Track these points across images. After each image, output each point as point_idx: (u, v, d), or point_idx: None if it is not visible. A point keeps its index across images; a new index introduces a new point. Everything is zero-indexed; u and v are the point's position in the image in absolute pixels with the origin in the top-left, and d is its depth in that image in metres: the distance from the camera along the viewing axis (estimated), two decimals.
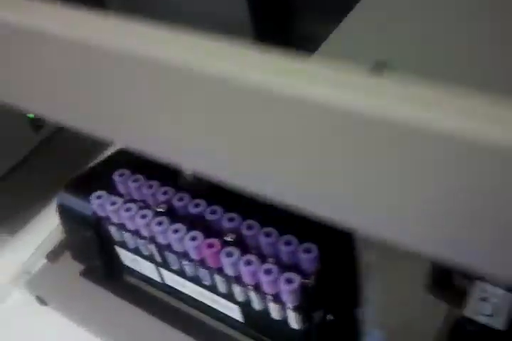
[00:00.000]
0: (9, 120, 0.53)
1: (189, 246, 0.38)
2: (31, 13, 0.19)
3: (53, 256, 0.51)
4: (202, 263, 0.38)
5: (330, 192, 0.17)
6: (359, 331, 0.36)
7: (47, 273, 0.50)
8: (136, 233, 0.41)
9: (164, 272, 0.43)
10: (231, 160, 0.19)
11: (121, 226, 0.42)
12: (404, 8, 0.25)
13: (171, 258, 0.41)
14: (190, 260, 0.39)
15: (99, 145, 0.57)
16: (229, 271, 0.37)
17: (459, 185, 0.14)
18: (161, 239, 0.39)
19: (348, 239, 0.39)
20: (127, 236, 0.43)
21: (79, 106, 0.22)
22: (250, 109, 0.16)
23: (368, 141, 0.15)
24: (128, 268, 0.46)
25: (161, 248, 0.40)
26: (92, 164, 0.49)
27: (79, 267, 0.49)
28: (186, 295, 0.44)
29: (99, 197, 0.42)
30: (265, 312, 0.38)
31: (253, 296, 0.38)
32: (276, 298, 0.36)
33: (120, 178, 0.42)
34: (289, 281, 0.35)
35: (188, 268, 0.40)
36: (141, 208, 0.41)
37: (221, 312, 0.42)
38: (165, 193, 0.41)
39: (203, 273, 0.39)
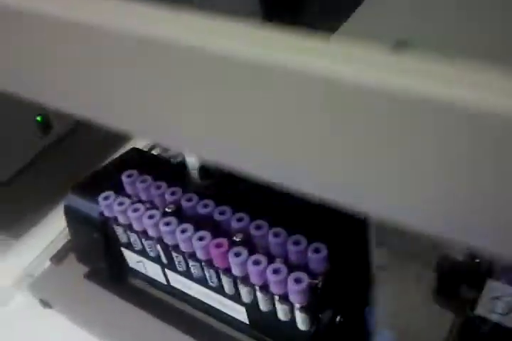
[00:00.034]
0: (17, 122, 0.53)
1: (197, 246, 0.37)
2: None
3: (57, 258, 0.51)
4: (209, 263, 0.38)
5: (343, 173, 0.17)
6: (369, 333, 0.36)
7: (51, 276, 0.50)
8: (143, 234, 0.41)
9: (170, 274, 0.43)
10: (245, 145, 0.19)
11: (129, 227, 0.42)
12: None
13: (178, 259, 0.40)
14: (198, 260, 0.39)
15: (107, 148, 0.58)
16: (236, 271, 0.37)
17: (481, 162, 0.14)
18: (168, 240, 0.39)
19: (357, 238, 0.39)
20: (134, 237, 0.43)
21: (81, 92, 0.22)
22: (271, 89, 0.16)
23: (390, 118, 0.15)
24: (133, 270, 0.46)
25: (168, 248, 0.40)
26: (99, 166, 0.49)
27: (83, 269, 0.49)
28: (192, 297, 0.43)
29: (106, 198, 0.42)
30: (272, 313, 0.38)
31: (260, 297, 0.37)
32: (284, 299, 0.36)
33: (128, 179, 0.42)
34: (297, 281, 0.34)
35: (195, 269, 0.40)
36: (148, 208, 0.41)
37: (227, 315, 0.42)
38: (173, 194, 0.41)
39: (209, 274, 0.39)
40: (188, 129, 0.19)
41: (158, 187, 0.41)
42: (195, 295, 0.43)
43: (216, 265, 0.38)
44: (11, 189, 0.57)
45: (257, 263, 0.36)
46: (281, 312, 0.37)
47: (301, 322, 0.37)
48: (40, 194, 0.57)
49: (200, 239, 0.37)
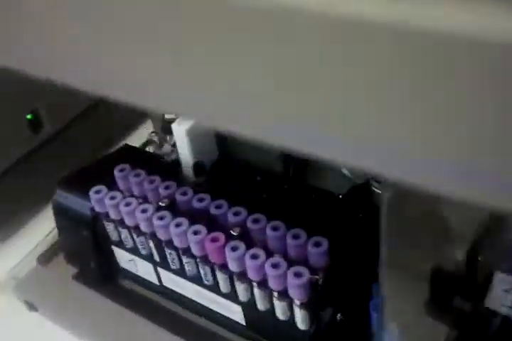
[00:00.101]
0: (6, 119, 0.51)
1: (192, 240, 0.36)
2: None
3: (44, 258, 0.49)
4: (204, 259, 0.37)
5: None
6: (372, 331, 0.34)
7: (37, 277, 0.48)
8: (135, 229, 0.39)
9: (163, 272, 0.41)
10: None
11: (120, 223, 0.40)
12: None
13: (171, 256, 0.39)
14: (192, 256, 0.37)
15: (99, 149, 0.56)
16: (233, 267, 0.35)
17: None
18: (161, 235, 0.38)
19: (359, 232, 0.38)
20: (125, 234, 0.41)
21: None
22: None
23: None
24: (124, 270, 0.44)
25: (161, 244, 0.38)
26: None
27: (71, 270, 0.47)
28: (185, 297, 0.41)
29: (97, 192, 0.40)
30: (270, 312, 0.36)
31: (258, 294, 0.36)
32: (283, 295, 0.34)
33: (120, 173, 0.41)
34: (297, 275, 0.33)
35: (189, 266, 0.38)
36: (141, 203, 0.39)
37: (222, 315, 0.40)
38: (167, 188, 0.39)
39: (204, 271, 0.38)
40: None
41: (152, 182, 0.40)
42: (189, 295, 0.41)
43: (212, 261, 0.36)
44: None
45: (255, 257, 0.34)
46: (280, 311, 0.35)
47: (301, 320, 0.35)
48: (29, 194, 0.55)
49: (195, 233, 0.36)
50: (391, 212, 0.30)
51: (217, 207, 0.37)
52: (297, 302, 0.34)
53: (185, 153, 0.44)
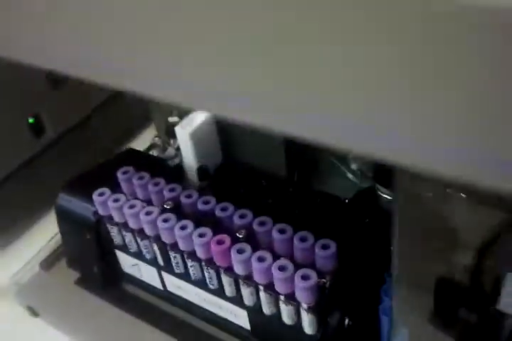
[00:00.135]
0: (8, 123, 0.51)
1: (197, 243, 0.35)
2: None
3: (47, 263, 0.48)
4: (209, 262, 0.36)
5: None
6: (380, 338, 0.33)
7: (39, 283, 0.47)
8: (139, 233, 0.39)
9: (167, 277, 0.41)
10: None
11: (124, 226, 0.40)
12: None
13: (176, 259, 0.38)
14: (197, 259, 0.37)
15: (102, 154, 0.55)
16: (239, 270, 0.34)
17: None
18: (166, 238, 0.37)
19: (367, 235, 0.37)
20: (129, 238, 0.40)
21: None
22: None
23: None
24: (127, 275, 0.44)
25: (166, 248, 0.38)
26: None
27: (74, 275, 0.46)
28: (189, 302, 0.41)
29: (101, 195, 0.40)
30: (276, 317, 0.36)
31: (264, 298, 0.35)
32: (290, 299, 0.33)
33: (124, 176, 0.40)
34: (304, 278, 0.32)
35: (194, 270, 0.38)
36: (145, 206, 0.39)
37: (227, 320, 0.39)
38: (172, 190, 0.39)
39: (209, 274, 0.37)
40: None
41: (156, 184, 0.39)
42: (193, 300, 0.40)
43: (217, 264, 0.35)
44: None
45: (261, 260, 0.33)
46: (286, 315, 0.35)
47: (308, 325, 0.34)
48: (31, 200, 0.54)
49: (201, 235, 0.35)
50: (402, 215, 0.29)
51: (223, 209, 0.37)
52: (304, 305, 0.33)
53: (189, 157, 0.44)
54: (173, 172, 0.44)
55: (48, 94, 0.54)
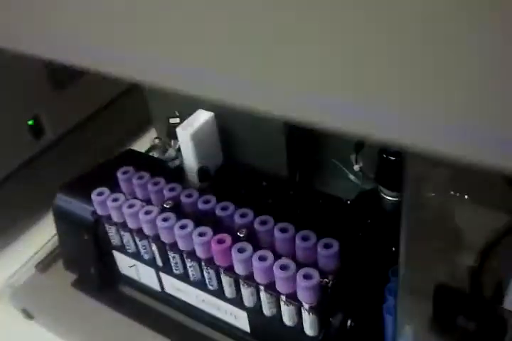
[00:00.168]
0: (8, 125, 0.50)
1: (197, 242, 0.35)
2: None
3: (43, 266, 0.47)
4: (209, 262, 0.35)
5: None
6: (385, 337, 0.33)
7: (35, 285, 0.46)
8: (138, 232, 0.38)
9: (165, 278, 0.40)
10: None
11: (123, 226, 0.39)
12: None
13: (175, 259, 0.38)
14: (197, 259, 0.36)
15: (101, 156, 0.55)
16: (239, 270, 0.34)
17: None
18: (165, 237, 0.36)
19: (369, 237, 0.37)
20: (127, 238, 0.40)
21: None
22: None
23: None
24: (124, 277, 0.43)
25: (165, 248, 0.37)
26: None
27: (71, 277, 0.46)
28: (188, 304, 0.40)
29: (100, 194, 0.39)
30: (276, 318, 0.35)
31: (264, 298, 0.34)
32: (291, 299, 0.33)
33: (124, 176, 0.40)
34: (307, 277, 0.32)
35: (193, 270, 0.37)
36: (145, 204, 0.38)
37: (225, 323, 0.39)
38: (172, 189, 0.38)
39: (209, 275, 0.36)
40: None
41: (156, 184, 0.39)
42: (192, 302, 0.40)
43: (217, 263, 0.35)
44: None
45: (262, 259, 0.33)
46: (287, 316, 0.34)
47: (309, 326, 0.34)
48: (28, 202, 0.54)
49: (201, 234, 0.35)
50: (411, 217, 0.29)
51: (223, 208, 0.36)
52: (306, 306, 0.32)
53: (190, 158, 0.44)
54: (173, 174, 0.44)
55: (47, 96, 0.53)
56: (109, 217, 0.39)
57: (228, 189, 0.43)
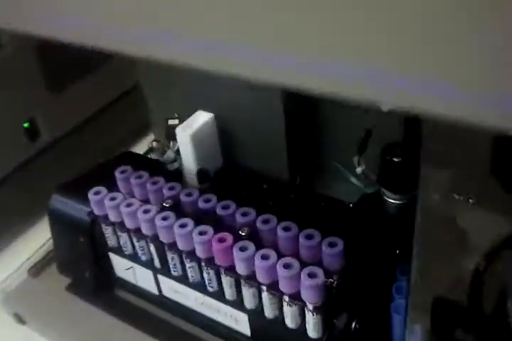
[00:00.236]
0: (3, 127, 0.49)
1: (197, 241, 0.34)
2: None
3: (36, 270, 0.46)
4: (209, 262, 0.34)
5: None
6: (392, 336, 0.32)
7: (27, 289, 0.45)
8: (135, 233, 0.37)
9: (163, 280, 0.39)
10: None
11: (120, 226, 0.38)
12: None
13: (174, 260, 0.37)
14: (196, 259, 0.35)
15: (97, 159, 0.54)
16: (241, 269, 0.33)
17: None
18: (164, 237, 0.35)
19: (373, 240, 0.36)
20: (124, 239, 0.39)
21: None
22: None
23: None
24: (121, 280, 0.42)
25: (163, 248, 0.36)
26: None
27: (65, 282, 0.44)
28: (186, 308, 0.39)
29: (97, 193, 0.38)
30: (278, 320, 0.34)
31: (267, 299, 0.33)
32: (295, 299, 0.32)
33: (122, 175, 0.39)
34: (311, 276, 0.31)
35: (192, 271, 0.36)
36: (143, 203, 0.37)
37: (225, 327, 0.37)
38: (171, 189, 0.37)
39: (209, 276, 0.35)
40: None
41: (155, 183, 0.38)
42: (191, 305, 0.38)
43: (218, 263, 0.34)
44: None
45: (265, 258, 0.32)
46: (290, 318, 0.33)
47: (313, 327, 0.32)
48: (24, 205, 0.52)
49: (201, 233, 0.34)
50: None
51: (224, 207, 0.35)
52: (310, 306, 0.31)
53: (189, 160, 0.43)
54: (172, 176, 0.43)
55: (44, 98, 0.53)
56: (106, 217, 0.38)
57: (228, 191, 0.42)
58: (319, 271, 0.31)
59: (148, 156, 0.49)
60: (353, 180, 0.44)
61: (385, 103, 0.14)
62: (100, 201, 0.38)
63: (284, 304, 0.33)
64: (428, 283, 0.28)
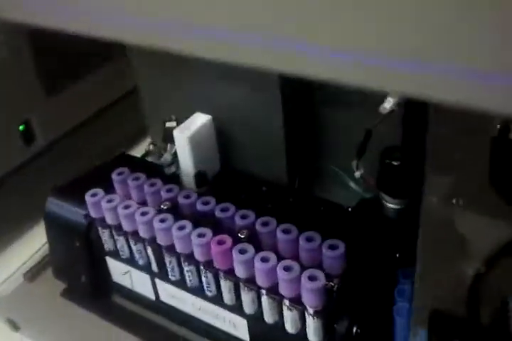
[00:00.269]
0: None
1: (196, 243, 0.33)
2: None
3: (31, 275, 0.45)
4: (208, 265, 0.34)
5: None
6: (394, 339, 0.31)
7: (22, 294, 0.44)
8: (133, 236, 0.37)
9: (160, 285, 0.38)
10: None
11: (117, 229, 0.37)
12: None
13: (171, 264, 0.36)
14: (195, 263, 0.34)
15: (93, 164, 0.53)
16: (240, 272, 0.32)
17: None
18: (162, 239, 0.35)
19: (379, 234, 0.35)
20: (121, 242, 0.38)
21: None
22: None
23: None
24: (117, 285, 0.41)
25: (161, 251, 0.36)
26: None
27: (60, 287, 0.44)
28: (183, 313, 0.38)
29: (94, 195, 0.38)
30: (278, 325, 0.33)
31: (266, 304, 0.33)
32: (295, 303, 0.31)
33: (119, 177, 0.38)
34: (312, 279, 0.30)
35: (190, 275, 0.35)
36: (141, 206, 0.36)
37: (223, 332, 0.37)
38: (169, 191, 0.37)
39: (207, 280, 0.35)
40: None
41: (153, 185, 0.37)
42: (188, 311, 0.38)
43: (217, 266, 0.33)
44: None
45: (265, 260, 0.31)
46: (290, 322, 0.32)
47: (313, 332, 0.32)
48: (19, 210, 0.52)
49: (200, 235, 0.33)
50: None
51: (223, 210, 0.35)
52: (310, 310, 0.31)
53: (187, 163, 0.42)
54: (170, 179, 0.42)
55: (40, 102, 0.52)
56: (102, 220, 0.38)
57: (226, 195, 0.41)
58: (320, 274, 0.30)
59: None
60: (352, 184, 0.44)
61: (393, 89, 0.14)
62: (97, 203, 0.37)
63: (284, 308, 0.32)
64: (431, 286, 0.28)
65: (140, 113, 0.49)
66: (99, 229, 0.38)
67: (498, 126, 0.23)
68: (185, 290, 0.37)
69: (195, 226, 0.34)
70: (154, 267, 0.37)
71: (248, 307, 0.34)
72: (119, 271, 0.40)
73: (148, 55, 0.43)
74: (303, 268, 0.31)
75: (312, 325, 0.31)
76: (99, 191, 0.38)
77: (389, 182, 0.38)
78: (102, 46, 0.54)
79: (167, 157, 0.45)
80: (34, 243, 0.49)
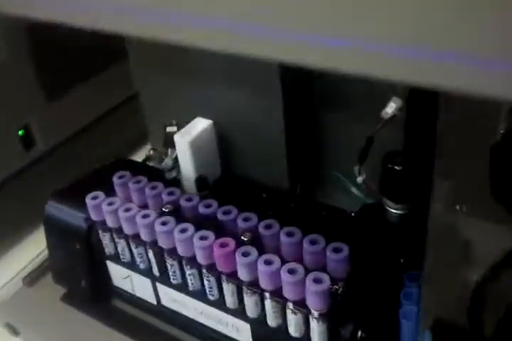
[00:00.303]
0: None
1: (198, 246, 0.33)
2: None
3: (31, 279, 0.45)
4: (210, 268, 0.34)
5: None
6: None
7: (22, 299, 0.44)
8: (134, 239, 0.36)
9: (162, 289, 0.38)
10: None
11: (118, 232, 0.37)
12: None
13: (173, 267, 0.36)
14: (197, 266, 0.34)
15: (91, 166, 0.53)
16: (243, 275, 0.32)
17: None
18: (163, 243, 0.35)
19: (383, 238, 0.35)
20: (122, 246, 0.38)
21: None
22: None
23: None
24: (118, 289, 0.41)
25: (163, 254, 0.35)
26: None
27: (60, 291, 0.43)
28: (185, 318, 0.38)
29: (95, 198, 0.37)
30: (282, 329, 0.33)
31: (270, 307, 0.32)
32: (299, 306, 0.31)
33: (120, 180, 0.38)
34: (316, 281, 0.30)
35: (192, 278, 0.35)
36: (142, 208, 0.36)
37: (226, 337, 0.36)
38: (171, 194, 0.37)
39: (209, 283, 0.34)
40: None
41: (154, 188, 0.37)
42: (190, 315, 0.37)
43: (219, 269, 0.33)
44: None
45: (268, 263, 0.31)
46: (294, 326, 0.32)
47: (318, 336, 0.31)
48: (18, 215, 0.51)
49: (202, 238, 0.33)
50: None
51: (225, 213, 0.35)
52: (315, 313, 0.30)
53: (188, 167, 0.42)
54: (170, 184, 0.42)
55: (40, 107, 0.52)
56: (103, 223, 0.37)
57: (227, 200, 0.41)
58: (325, 277, 0.30)
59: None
60: (354, 190, 0.44)
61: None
62: (98, 206, 0.37)
63: (288, 312, 0.32)
64: (436, 292, 0.28)
65: (140, 118, 0.49)
66: (100, 232, 0.38)
67: (502, 131, 0.23)
68: (187, 294, 0.36)
69: (198, 229, 0.34)
70: (155, 271, 0.37)
71: (251, 311, 0.34)
72: (119, 275, 0.40)
73: (148, 60, 0.43)
74: (307, 271, 0.31)
75: (316, 328, 0.31)
76: (100, 194, 0.38)
77: (391, 187, 0.38)
78: (103, 52, 0.54)
79: (168, 162, 0.45)
80: (34, 248, 0.48)
